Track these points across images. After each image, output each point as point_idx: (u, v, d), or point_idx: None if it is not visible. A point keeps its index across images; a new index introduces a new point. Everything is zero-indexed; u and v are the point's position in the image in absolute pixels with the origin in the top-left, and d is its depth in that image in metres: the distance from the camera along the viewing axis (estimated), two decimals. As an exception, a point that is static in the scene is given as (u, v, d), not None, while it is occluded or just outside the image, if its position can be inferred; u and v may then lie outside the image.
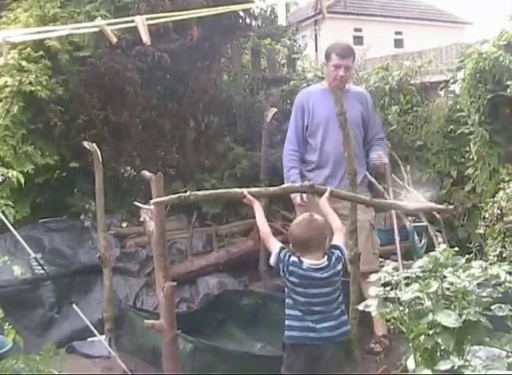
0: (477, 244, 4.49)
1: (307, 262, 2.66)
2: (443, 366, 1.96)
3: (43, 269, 3.85)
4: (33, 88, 4.50)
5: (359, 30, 21.98)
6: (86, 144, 4.09)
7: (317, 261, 2.67)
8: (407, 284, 2.28)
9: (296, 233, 2.74)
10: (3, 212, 3.86)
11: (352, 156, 3.49)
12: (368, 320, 3.69)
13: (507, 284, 2.21)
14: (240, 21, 6.15)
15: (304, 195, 3.77)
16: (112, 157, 4.92)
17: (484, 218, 4.15)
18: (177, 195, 2.62)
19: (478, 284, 2.19)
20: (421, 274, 2.30)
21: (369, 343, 3.78)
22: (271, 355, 3.56)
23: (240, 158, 5.94)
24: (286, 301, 2.71)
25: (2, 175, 3.91)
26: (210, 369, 3.31)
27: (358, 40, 19.13)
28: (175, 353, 2.82)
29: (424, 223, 4.21)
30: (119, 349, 3.77)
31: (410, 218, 4.24)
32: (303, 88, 6.28)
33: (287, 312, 2.70)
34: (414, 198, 4.43)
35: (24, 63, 4.57)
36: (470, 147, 4.86)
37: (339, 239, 2.80)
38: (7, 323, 3.12)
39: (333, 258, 2.69)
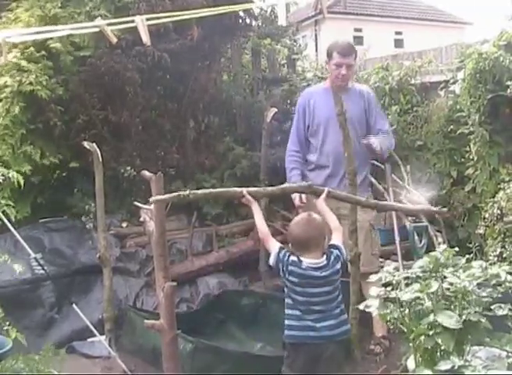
0: (477, 245, 4.49)
1: (307, 261, 2.67)
2: (443, 366, 1.96)
3: (43, 269, 3.85)
4: (33, 88, 4.50)
5: (359, 30, 21.98)
6: (86, 144, 4.09)
7: (316, 260, 2.68)
8: (407, 284, 2.29)
9: (295, 232, 2.76)
10: (3, 212, 3.86)
11: (352, 156, 3.48)
12: (368, 320, 3.69)
13: (507, 284, 2.21)
14: (240, 21, 6.15)
15: (303, 196, 3.77)
16: (112, 157, 4.92)
17: (484, 218, 4.15)
18: (177, 194, 2.62)
19: (478, 284, 2.19)
20: (421, 274, 2.30)
21: (369, 344, 3.78)
22: (271, 355, 3.56)
23: (240, 159, 5.94)
24: (286, 300, 2.72)
25: (2, 175, 3.91)
26: (210, 370, 3.31)
27: (358, 40, 19.10)
28: (175, 353, 2.81)
29: (425, 223, 4.21)
30: (119, 349, 3.77)
31: (410, 218, 4.23)
32: (302, 88, 6.32)
33: (287, 311, 2.71)
34: (414, 198, 4.44)
35: (24, 63, 4.56)
36: (470, 147, 4.86)
37: (337, 239, 2.82)
38: (7, 323, 3.12)
39: (332, 258, 2.71)
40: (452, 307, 2.14)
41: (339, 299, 2.73)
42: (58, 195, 4.94)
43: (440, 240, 4.15)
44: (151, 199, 2.67)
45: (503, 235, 3.92)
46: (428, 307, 2.15)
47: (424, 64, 5.95)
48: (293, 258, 2.68)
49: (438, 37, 14.42)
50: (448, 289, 2.18)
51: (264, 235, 2.77)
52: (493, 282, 2.22)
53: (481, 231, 4.19)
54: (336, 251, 2.74)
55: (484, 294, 2.18)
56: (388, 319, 2.29)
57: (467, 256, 2.44)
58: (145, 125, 5.42)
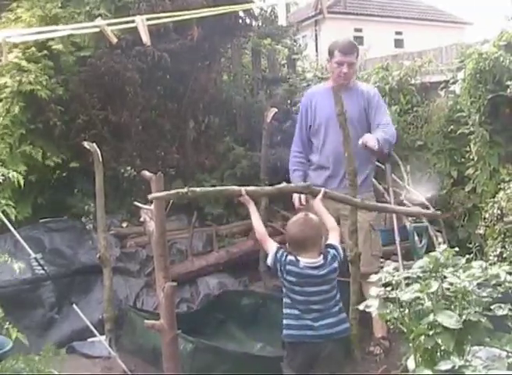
0: (477, 245, 4.49)
1: (304, 260, 2.69)
2: (444, 366, 1.96)
3: (43, 269, 3.84)
4: (32, 88, 4.50)
5: (359, 30, 21.96)
6: (86, 144, 4.09)
7: (313, 259, 2.71)
8: (407, 284, 2.28)
9: (292, 232, 2.79)
10: (3, 212, 3.86)
11: (352, 156, 3.47)
12: (369, 321, 3.69)
13: (507, 284, 2.21)
14: (240, 21, 6.15)
15: (303, 198, 3.77)
16: (112, 157, 4.92)
17: (484, 218, 4.15)
18: (175, 191, 2.64)
19: (478, 284, 2.19)
20: (421, 274, 2.30)
21: (369, 345, 3.77)
22: (271, 355, 3.56)
23: (240, 159, 5.94)
24: (284, 300, 2.74)
25: (3, 175, 3.91)
26: (210, 370, 3.31)
27: (358, 40, 19.00)
28: (175, 353, 2.81)
29: (425, 224, 4.21)
30: (119, 349, 3.77)
31: (410, 218, 4.23)
32: (302, 88, 6.32)
33: (285, 311, 2.73)
34: (414, 198, 4.44)
35: (24, 63, 4.57)
36: (470, 147, 4.86)
37: (334, 238, 2.85)
38: (7, 323, 3.12)
39: (329, 257, 2.74)
40: (452, 307, 2.14)
41: (337, 298, 2.75)
42: (59, 195, 4.94)
43: (440, 240, 4.15)
44: (149, 196, 2.68)
45: (503, 235, 3.92)
46: (428, 307, 2.15)
47: (424, 64, 5.95)
48: (291, 257, 2.70)
49: (438, 37, 14.43)
50: (448, 289, 2.18)
51: (262, 235, 2.81)
52: (493, 282, 2.22)
53: (481, 231, 4.19)
54: (332, 251, 2.77)
55: (484, 294, 2.18)
56: (388, 319, 2.29)
57: (467, 256, 2.44)
58: (145, 125, 5.42)
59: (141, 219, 3.70)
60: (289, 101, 6.36)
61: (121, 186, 5.16)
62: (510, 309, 2.17)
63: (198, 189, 2.76)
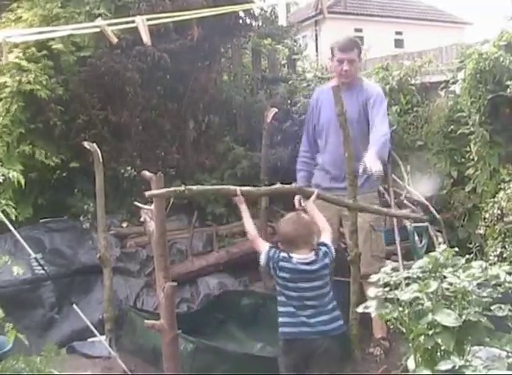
0: (477, 245, 4.49)
1: (296, 256, 2.75)
2: (444, 366, 1.96)
3: (43, 269, 3.85)
4: (32, 87, 4.50)
5: (359, 30, 21.95)
6: (86, 144, 4.09)
7: (305, 255, 2.76)
8: (407, 284, 2.29)
9: (284, 230, 2.86)
10: (4, 213, 3.86)
11: (352, 156, 3.47)
12: (369, 321, 3.68)
13: (507, 285, 2.22)
14: (241, 21, 6.14)
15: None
16: (112, 157, 4.91)
17: (484, 218, 4.15)
18: (173, 189, 2.70)
19: (478, 284, 2.19)
20: (421, 275, 2.30)
21: (369, 345, 3.77)
22: (271, 355, 3.56)
23: (241, 159, 5.94)
24: (279, 298, 2.79)
25: (3, 175, 3.91)
26: (210, 370, 3.32)
27: (358, 40, 19.10)
28: (175, 353, 2.82)
29: (425, 224, 4.20)
30: (119, 349, 3.77)
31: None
32: (302, 88, 6.32)
33: (280, 309, 2.77)
34: (414, 198, 4.44)
35: (24, 63, 4.57)
36: (470, 147, 4.85)
37: (326, 238, 2.90)
38: (7, 323, 3.12)
39: (321, 253, 2.80)
40: (452, 307, 2.14)
41: (330, 295, 2.79)
42: (59, 195, 4.93)
43: (440, 240, 4.15)
44: (147, 194, 2.70)
45: (503, 235, 3.92)
46: (427, 307, 2.15)
47: (424, 64, 5.94)
48: (284, 254, 2.76)
49: (438, 37, 14.44)
50: (447, 289, 2.18)
51: (253, 236, 2.89)
52: (493, 282, 2.22)
53: (481, 231, 4.18)
54: (324, 248, 2.83)
55: (484, 294, 2.18)
56: (387, 319, 2.29)
57: (468, 256, 2.44)
58: (145, 125, 5.42)
59: (141, 219, 3.71)
60: (289, 101, 6.35)
61: (121, 186, 5.16)
62: (510, 310, 2.18)
63: (195, 187, 2.80)
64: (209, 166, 5.93)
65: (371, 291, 2.36)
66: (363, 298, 3.38)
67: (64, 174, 4.91)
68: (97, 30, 3.40)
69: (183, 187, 2.64)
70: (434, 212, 4.45)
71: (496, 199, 4.09)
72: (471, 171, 4.92)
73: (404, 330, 2.24)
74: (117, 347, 3.81)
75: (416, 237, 4.08)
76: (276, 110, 4.98)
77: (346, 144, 3.46)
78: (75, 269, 4.41)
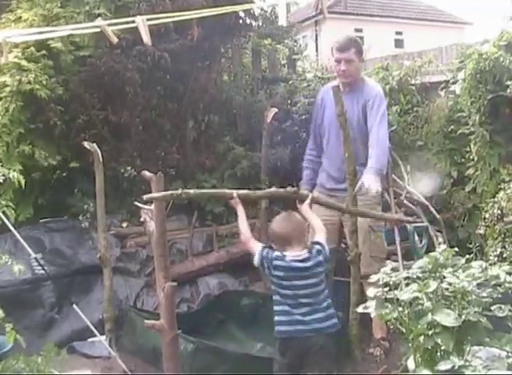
0: (477, 245, 4.49)
1: (290, 255, 2.77)
2: (443, 366, 1.96)
3: (43, 269, 3.84)
4: (32, 87, 4.50)
5: (359, 30, 21.95)
6: (86, 144, 4.09)
7: (298, 253, 2.78)
8: (407, 284, 2.29)
9: (276, 229, 2.88)
10: (4, 213, 3.86)
11: (352, 157, 3.47)
12: (369, 321, 3.68)
13: (507, 285, 2.22)
14: (241, 21, 6.14)
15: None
16: (112, 157, 4.91)
17: (484, 218, 4.15)
18: (169, 193, 2.73)
19: (477, 285, 2.19)
20: (420, 275, 2.30)
21: (369, 345, 3.77)
22: (271, 356, 3.56)
23: (241, 159, 5.94)
24: (274, 297, 2.80)
25: (3, 175, 3.91)
26: (210, 370, 3.32)
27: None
28: (175, 353, 2.82)
29: (425, 224, 4.21)
30: (119, 349, 3.77)
31: (410, 218, 4.23)
32: (302, 88, 6.32)
33: (275, 308, 2.78)
34: (414, 197, 4.44)
35: (24, 62, 4.56)
36: (470, 147, 4.85)
37: (320, 237, 2.92)
38: (7, 323, 3.12)
39: (314, 251, 2.82)
40: (452, 307, 2.14)
41: (325, 293, 2.80)
42: (59, 195, 4.93)
43: (440, 240, 4.16)
44: (145, 197, 2.73)
45: (503, 235, 3.92)
46: (427, 307, 2.15)
47: (424, 64, 5.94)
48: (277, 253, 2.78)
49: (438, 37, 14.43)
50: (447, 289, 2.18)
51: (247, 238, 2.89)
52: (493, 282, 2.22)
53: (481, 231, 4.19)
54: (317, 246, 2.85)
55: (484, 294, 2.18)
56: (387, 319, 2.29)
57: (467, 256, 2.44)
58: (145, 125, 5.42)
59: (141, 219, 3.71)
60: (289, 101, 6.34)
61: (121, 186, 5.16)
62: (510, 310, 2.18)
63: (192, 191, 2.88)
64: (209, 166, 5.93)
65: (371, 292, 2.36)
66: (363, 298, 3.39)
67: (64, 174, 4.91)
68: (98, 30, 3.40)
69: (179, 191, 2.68)
70: (434, 212, 4.46)
71: (495, 199, 4.09)
72: (471, 171, 4.93)
73: (404, 330, 2.24)
74: (117, 347, 3.81)
75: (416, 237, 4.08)
76: (276, 110, 4.98)
77: (346, 145, 3.46)
78: (75, 269, 4.41)
